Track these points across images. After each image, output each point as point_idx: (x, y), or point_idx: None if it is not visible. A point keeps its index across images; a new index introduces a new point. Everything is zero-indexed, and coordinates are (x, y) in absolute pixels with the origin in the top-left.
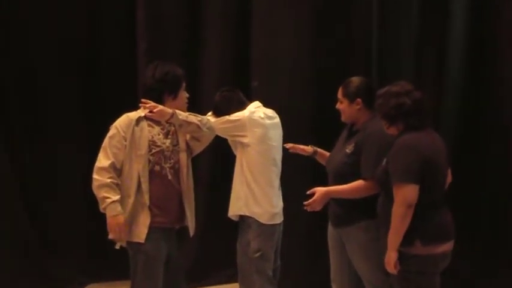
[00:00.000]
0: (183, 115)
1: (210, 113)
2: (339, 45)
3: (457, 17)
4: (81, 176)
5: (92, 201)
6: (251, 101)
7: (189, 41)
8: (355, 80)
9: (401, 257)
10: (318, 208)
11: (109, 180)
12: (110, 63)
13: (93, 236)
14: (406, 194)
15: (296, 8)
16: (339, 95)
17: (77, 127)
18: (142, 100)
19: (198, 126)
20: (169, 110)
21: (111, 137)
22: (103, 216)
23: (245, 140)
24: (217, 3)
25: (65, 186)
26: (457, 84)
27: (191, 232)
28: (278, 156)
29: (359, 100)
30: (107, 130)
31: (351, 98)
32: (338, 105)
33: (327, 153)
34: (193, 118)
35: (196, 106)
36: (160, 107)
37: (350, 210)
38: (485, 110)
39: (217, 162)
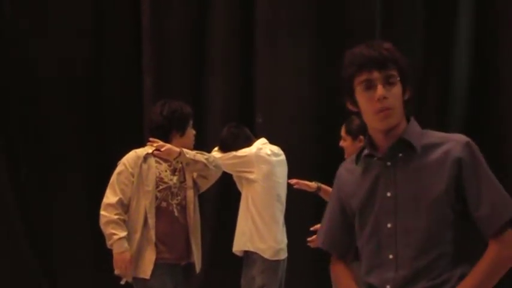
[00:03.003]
0: (190, 154)
1: (216, 149)
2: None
3: (463, 42)
4: (85, 206)
5: (94, 228)
6: (256, 137)
7: (194, 76)
8: (358, 118)
9: None
10: None
11: (116, 217)
12: (115, 98)
13: (93, 262)
14: None
15: (299, 45)
16: (342, 132)
17: (81, 159)
18: (150, 139)
19: (205, 165)
20: (177, 149)
21: (119, 173)
22: (103, 242)
23: (251, 176)
24: (222, 38)
25: (67, 215)
26: (461, 113)
27: (197, 268)
28: (283, 193)
29: (362, 137)
30: (113, 164)
31: (353, 135)
32: (341, 143)
33: (331, 190)
34: (200, 157)
35: (201, 140)
36: (168, 146)
37: None
38: (490, 141)
39: (223, 198)
